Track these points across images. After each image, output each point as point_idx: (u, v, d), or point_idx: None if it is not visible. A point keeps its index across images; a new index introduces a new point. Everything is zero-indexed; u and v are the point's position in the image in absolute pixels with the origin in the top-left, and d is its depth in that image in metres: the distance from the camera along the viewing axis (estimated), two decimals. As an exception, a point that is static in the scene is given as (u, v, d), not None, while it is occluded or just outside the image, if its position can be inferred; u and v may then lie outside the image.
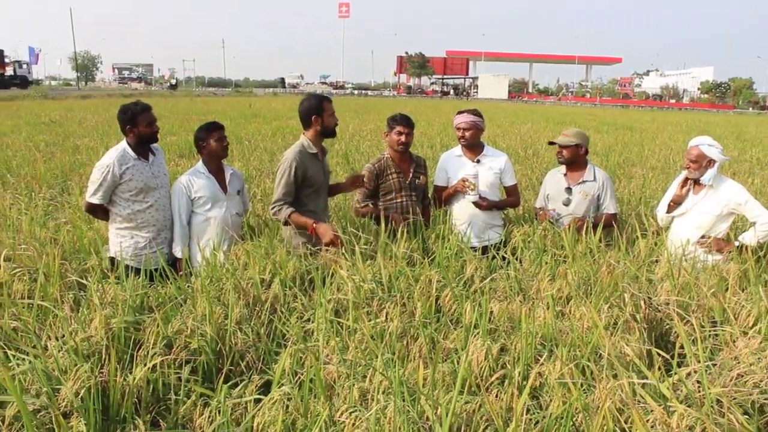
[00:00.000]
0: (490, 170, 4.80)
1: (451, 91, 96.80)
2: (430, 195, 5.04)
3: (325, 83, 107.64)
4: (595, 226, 4.39)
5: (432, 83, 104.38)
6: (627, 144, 16.23)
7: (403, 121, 4.65)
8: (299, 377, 2.50)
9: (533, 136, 17.25)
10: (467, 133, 4.75)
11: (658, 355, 2.50)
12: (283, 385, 2.36)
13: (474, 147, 4.83)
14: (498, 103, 62.10)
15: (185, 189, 4.38)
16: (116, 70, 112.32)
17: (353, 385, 2.33)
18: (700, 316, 3.10)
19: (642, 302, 3.20)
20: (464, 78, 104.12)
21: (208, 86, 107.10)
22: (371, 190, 4.68)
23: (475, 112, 4.80)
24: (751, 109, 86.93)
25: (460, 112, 4.83)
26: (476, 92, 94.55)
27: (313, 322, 3.09)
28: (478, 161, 4.81)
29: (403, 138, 4.62)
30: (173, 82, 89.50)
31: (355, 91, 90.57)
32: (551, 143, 4.97)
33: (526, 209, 5.84)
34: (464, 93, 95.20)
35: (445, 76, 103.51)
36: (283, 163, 4.23)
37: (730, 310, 3.10)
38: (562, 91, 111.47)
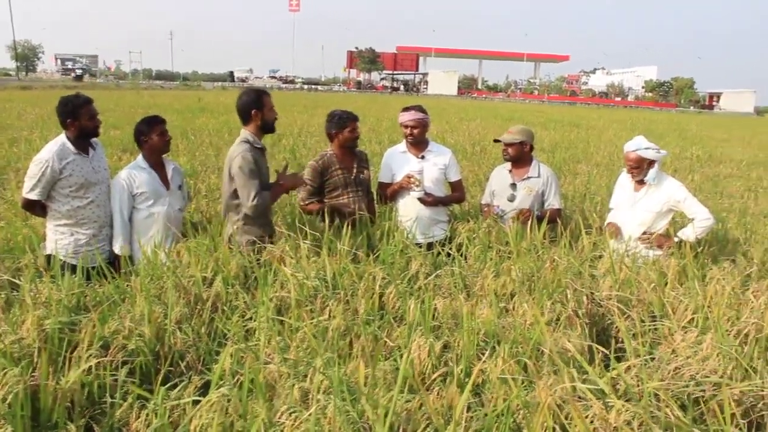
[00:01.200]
0: (434, 166, 4.80)
1: (401, 87, 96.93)
2: (374, 191, 5.01)
3: (274, 77, 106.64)
4: (539, 221, 4.43)
5: (382, 79, 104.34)
6: (573, 141, 16.51)
7: (353, 117, 4.64)
8: (239, 378, 2.45)
9: (481, 132, 17.42)
10: (415, 131, 4.73)
11: (598, 350, 2.53)
12: (221, 386, 2.30)
13: (419, 143, 4.82)
14: (448, 99, 62.58)
15: (126, 184, 4.26)
16: (59, 61, 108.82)
17: (293, 385, 2.29)
18: (640, 311, 3.16)
19: (584, 298, 3.25)
20: (414, 74, 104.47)
21: (156, 79, 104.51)
22: (316, 188, 4.63)
23: (421, 109, 4.79)
24: (692, 107, 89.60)
25: (405, 109, 4.80)
26: (426, 88, 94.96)
27: (255, 320, 3.04)
28: (423, 157, 4.80)
29: (356, 134, 4.64)
30: (79, 72, 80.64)
31: (305, 86, 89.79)
32: (497, 141, 4.99)
33: (472, 205, 5.87)
34: (414, 89, 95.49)
35: (395, 72, 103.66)
36: (237, 159, 4.08)
37: (669, 304, 3.17)
38: (511, 87, 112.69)
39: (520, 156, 4.83)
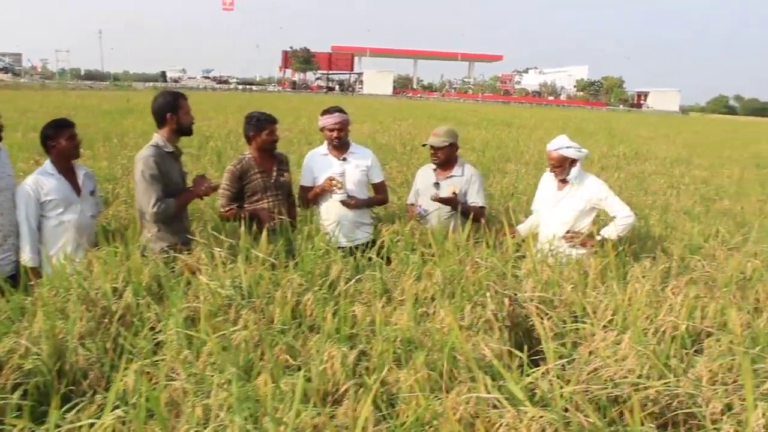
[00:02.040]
0: (356, 168, 4.74)
1: (337, 87, 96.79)
2: (295, 194, 4.92)
3: (208, 77, 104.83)
4: (465, 215, 4.42)
5: (317, 78, 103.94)
6: (504, 140, 16.71)
7: (272, 119, 4.54)
8: (142, 395, 2.31)
9: (413, 132, 17.44)
10: (341, 133, 4.67)
11: (514, 354, 2.48)
12: (118, 406, 2.16)
13: (341, 145, 4.75)
14: (383, 99, 62.77)
15: (32, 191, 4.04)
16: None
17: (195, 402, 2.16)
18: (561, 312, 3.14)
19: (506, 300, 3.21)
20: (349, 74, 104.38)
21: (85, 79, 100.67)
22: (235, 193, 4.51)
23: (342, 110, 4.72)
24: (621, 106, 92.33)
25: (326, 112, 4.71)
26: (361, 88, 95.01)
27: (165, 333, 2.89)
28: (345, 159, 4.73)
29: (275, 137, 4.54)
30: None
31: (240, 86, 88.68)
32: (425, 145, 4.95)
33: (399, 206, 5.82)
34: (350, 89, 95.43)
35: (330, 72, 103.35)
36: (139, 163, 3.98)
37: (590, 304, 3.16)
38: (446, 87, 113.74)
39: (450, 158, 4.80)
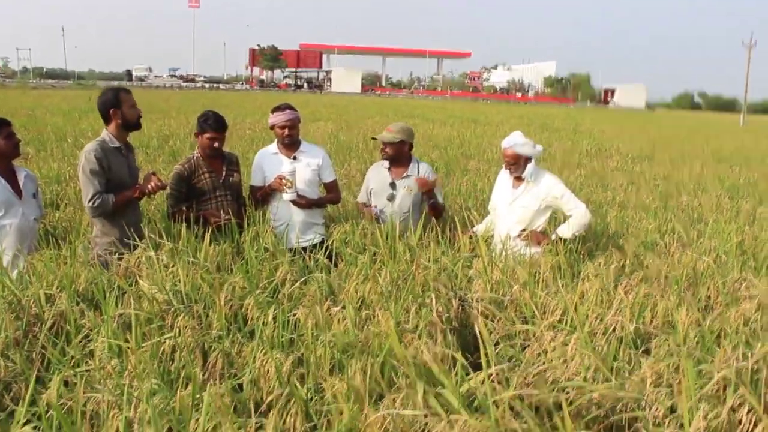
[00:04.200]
0: (307, 167, 4.67)
1: (305, 85, 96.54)
2: (245, 195, 4.84)
3: (174, 76, 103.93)
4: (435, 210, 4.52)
5: (285, 77, 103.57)
6: (468, 137, 16.74)
7: (215, 127, 4.44)
8: (66, 407, 2.20)
9: (378, 130, 17.32)
10: (292, 131, 4.59)
11: (456, 359, 2.41)
12: (30, 421, 2.05)
13: (291, 144, 4.67)
14: (351, 97, 62.70)
15: None
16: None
17: (114, 416, 2.06)
18: (511, 313, 3.09)
19: (453, 301, 3.15)
20: (318, 71, 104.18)
21: (48, 78, 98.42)
22: (183, 193, 4.44)
23: (293, 107, 4.65)
24: (588, 103, 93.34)
25: (277, 109, 4.63)
26: (330, 86, 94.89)
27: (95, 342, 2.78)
28: (295, 158, 4.66)
29: (216, 144, 4.45)
30: None
31: (207, 85, 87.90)
32: (374, 139, 4.89)
33: (354, 206, 5.75)
34: (318, 86, 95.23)
35: (298, 70, 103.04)
36: (82, 158, 3.93)
37: (539, 305, 3.11)
38: (414, 84, 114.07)
39: (399, 155, 4.74)
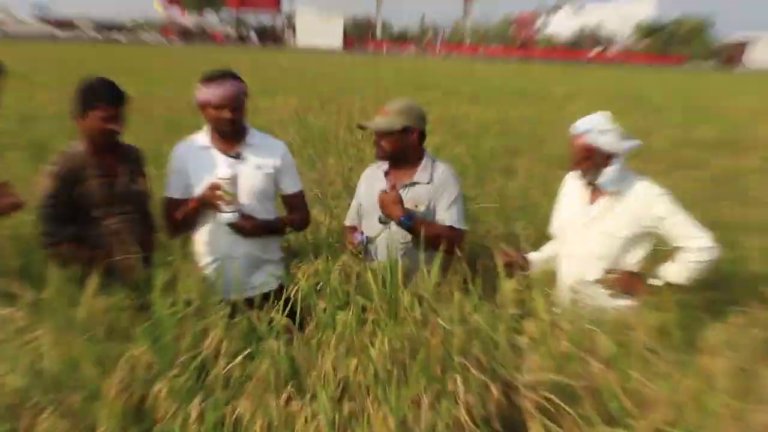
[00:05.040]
0: (258, 170, 4.69)
1: (254, 36, 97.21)
2: (159, 212, 4.86)
3: (44, 20, 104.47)
4: (433, 244, 4.30)
5: (223, 22, 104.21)
6: (514, 121, 16.81)
7: (109, 98, 4.42)
8: None
9: (370, 109, 17.37)
10: (234, 114, 4.55)
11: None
12: None
13: (232, 133, 4.66)
14: (327, 56, 63.04)
15: None
16: None
17: None
18: (586, 407, 3.07)
19: (492, 388, 3.14)
20: (274, 15, 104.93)
21: None
22: (62, 208, 4.42)
23: (235, 76, 4.61)
24: (707, 62, 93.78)
25: (210, 79, 4.57)
26: (294, 37, 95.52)
27: None
28: (238, 156, 4.67)
29: (111, 126, 4.42)
30: None
31: (96, 33, 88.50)
32: (362, 127, 4.89)
33: (331, 231, 5.76)
34: (275, 39, 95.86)
35: (242, 11, 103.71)
36: None
37: (635, 394, 3.10)
38: (428, 36, 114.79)
39: (403, 151, 4.71)
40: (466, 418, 2.85)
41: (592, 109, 4.72)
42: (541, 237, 5.24)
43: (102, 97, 4.40)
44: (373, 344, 3.39)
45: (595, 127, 4.37)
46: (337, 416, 2.89)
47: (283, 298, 3.99)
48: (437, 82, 31.11)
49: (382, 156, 4.78)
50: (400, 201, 4.49)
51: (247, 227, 4.58)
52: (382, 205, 4.53)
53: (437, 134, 12.26)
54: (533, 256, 4.79)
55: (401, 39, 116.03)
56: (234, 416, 2.93)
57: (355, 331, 3.56)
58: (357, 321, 3.68)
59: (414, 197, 4.69)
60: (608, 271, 4.42)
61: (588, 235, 4.49)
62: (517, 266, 4.44)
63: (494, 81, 34.31)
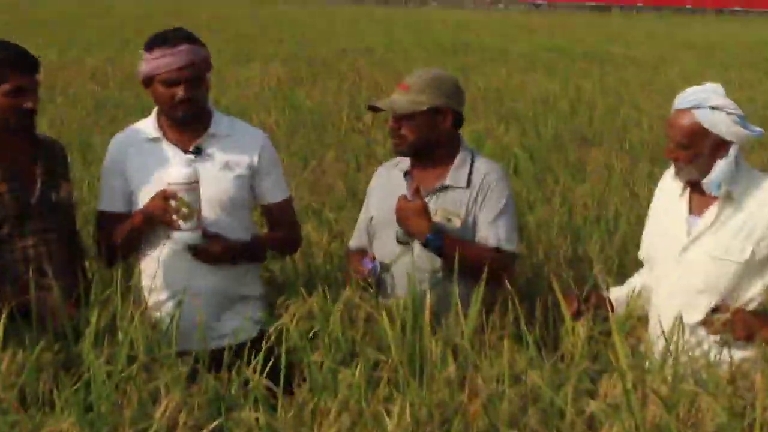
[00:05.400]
0: (226, 170, 4.69)
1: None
2: (91, 230, 4.88)
3: None
4: (474, 272, 4.29)
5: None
6: (588, 94, 16.79)
7: (18, 64, 4.35)
8: None
9: (387, 81, 17.44)
10: (192, 92, 4.51)
11: None
12: None
13: (190, 118, 4.62)
14: (327, 5, 63.08)
15: None
16: None
17: None
18: None
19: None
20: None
21: None
22: None
23: (191, 39, 4.61)
24: None
25: (157, 43, 4.56)
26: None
27: None
28: (199, 151, 4.67)
29: (25, 104, 4.33)
30: None
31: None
32: (374, 109, 4.92)
33: (330, 253, 5.80)
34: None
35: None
36: None
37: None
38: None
39: (430, 142, 4.72)
40: None
41: (695, 78, 4.68)
42: (625, 262, 5.25)
43: (7, 62, 4.30)
44: (389, 414, 3.41)
45: (706, 102, 4.19)
46: None
47: (263, 349, 4.00)
48: (478, 42, 31.12)
49: (401, 149, 4.76)
50: (427, 212, 4.44)
51: (214, 251, 4.55)
52: (402, 219, 4.48)
53: (478, 117, 12.23)
54: (613, 291, 4.76)
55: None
56: None
57: (364, 396, 3.58)
58: (367, 381, 3.70)
59: (446, 207, 4.69)
60: (719, 309, 4.39)
61: (691, 258, 4.45)
62: (589, 311, 4.39)
63: (557, 38, 34.25)
